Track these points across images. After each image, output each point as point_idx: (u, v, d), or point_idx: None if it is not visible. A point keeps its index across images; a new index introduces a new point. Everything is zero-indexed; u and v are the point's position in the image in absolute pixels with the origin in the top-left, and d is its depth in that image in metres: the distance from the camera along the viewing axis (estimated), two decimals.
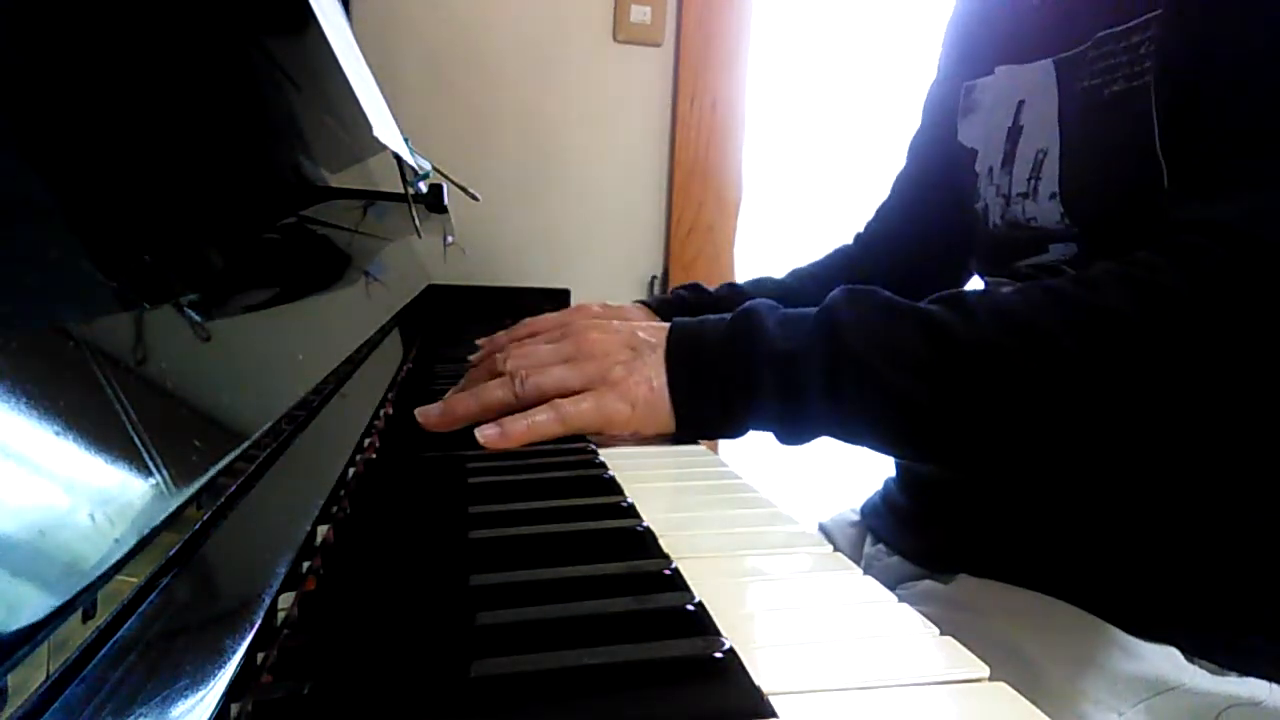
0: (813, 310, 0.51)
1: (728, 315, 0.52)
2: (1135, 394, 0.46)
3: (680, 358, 0.51)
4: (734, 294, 0.84)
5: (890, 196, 0.91)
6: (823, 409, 0.49)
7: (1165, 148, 0.52)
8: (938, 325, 0.49)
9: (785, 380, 0.49)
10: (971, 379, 0.47)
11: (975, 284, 0.82)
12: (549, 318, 0.74)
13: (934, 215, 0.82)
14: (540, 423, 0.50)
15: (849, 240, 0.94)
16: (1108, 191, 0.58)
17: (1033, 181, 0.63)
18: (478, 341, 0.78)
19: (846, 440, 0.51)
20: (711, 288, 0.85)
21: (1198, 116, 0.50)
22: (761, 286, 0.86)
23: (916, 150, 0.89)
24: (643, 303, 0.83)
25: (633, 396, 0.51)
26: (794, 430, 0.51)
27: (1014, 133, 0.66)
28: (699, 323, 0.53)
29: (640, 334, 0.53)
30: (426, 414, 0.54)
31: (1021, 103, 0.66)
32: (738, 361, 0.50)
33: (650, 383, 0.51)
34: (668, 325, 0.53)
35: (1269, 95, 0.48)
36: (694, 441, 0.55)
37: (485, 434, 0.50)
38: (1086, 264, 0.53)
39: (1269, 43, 0.48)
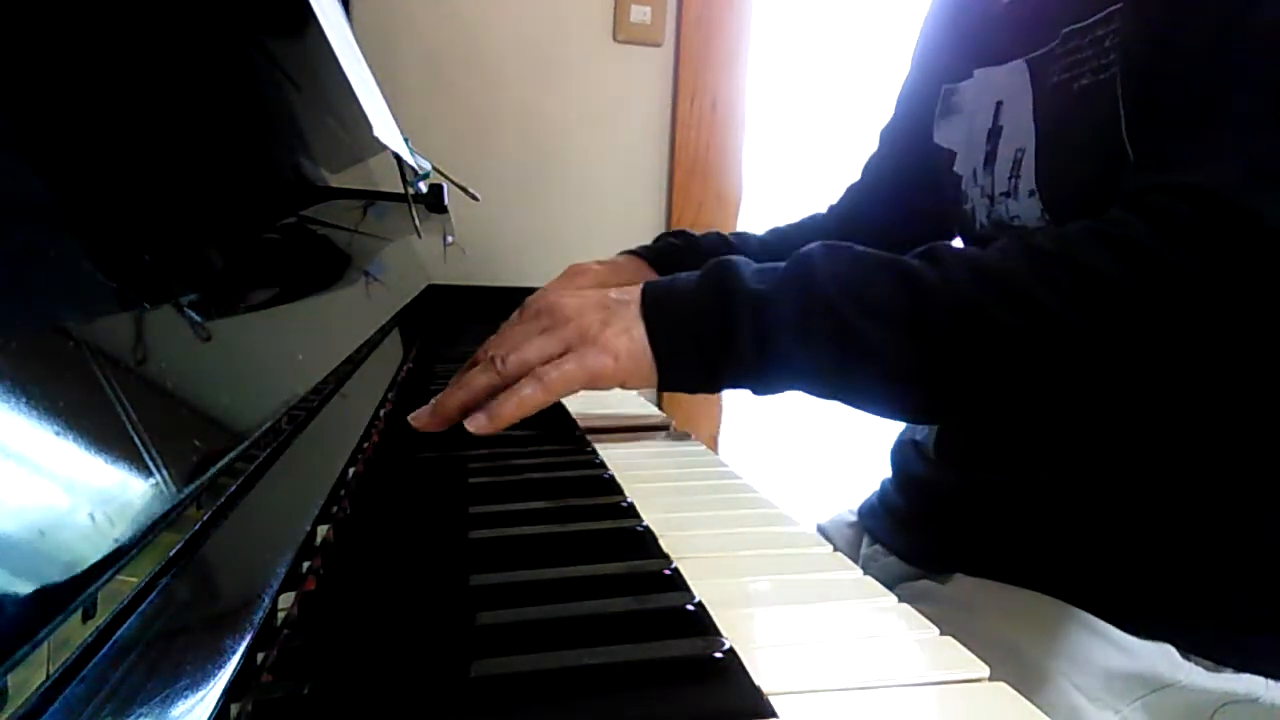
0: (784, 262, 0.52)
1: (698, 270, 0.53)
2: (1106, 351, 0.47)
3: (655, 308, 0.52)
4: (722, 243, 0.85)
5: (863, 178, 0.93)
6: (795, 355, 0.49)
7: (1131, 135, 0.53)
8: (913, 275, 0.49)
9: (758, 323, 0.49)
10: (945, 328, 0.48)
11: None
12: (532, 301, 0.76)
13: (914, 212, 0.84)
14: (527, 396, 0.50)
15: (822, 210, 0.96)
16: (1082, 184, 0.58)
17: (1013, 180, 0.64)
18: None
19: (819, 393, 0.51)
20: (699, 234, 0.86)
21: (1161, 95, 0.51)
22: (745, 241, 0.88)
23: (889, 141, 0.90)
24: (632, 252, 0.84)
25: (614, 348, 0.51)
26: (767, 377, 0.51)
27: (994, 134, 0.67)
28: (671, 278, 0.54)
29: (612, 294, 0.54)
30: (418, 417, 0.54)
31: (999, 103, 0.67)
32: (712, 308, 0.50)
33: (629, 333, 0.51)
34: (640, 284, 0.54)
35: (1225, 70, 0.49)
36: (678, 391, 0.55)
37: (475, 422, 0.50)
38: None
39: (1227, 21, 0.49)
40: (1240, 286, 0.45)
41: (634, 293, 0.53)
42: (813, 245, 0.52)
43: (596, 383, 0.51)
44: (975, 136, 0.69)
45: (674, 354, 0.51)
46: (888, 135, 0.90)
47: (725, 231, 0.90)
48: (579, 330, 0.52)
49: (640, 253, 0.83)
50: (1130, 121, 0.53)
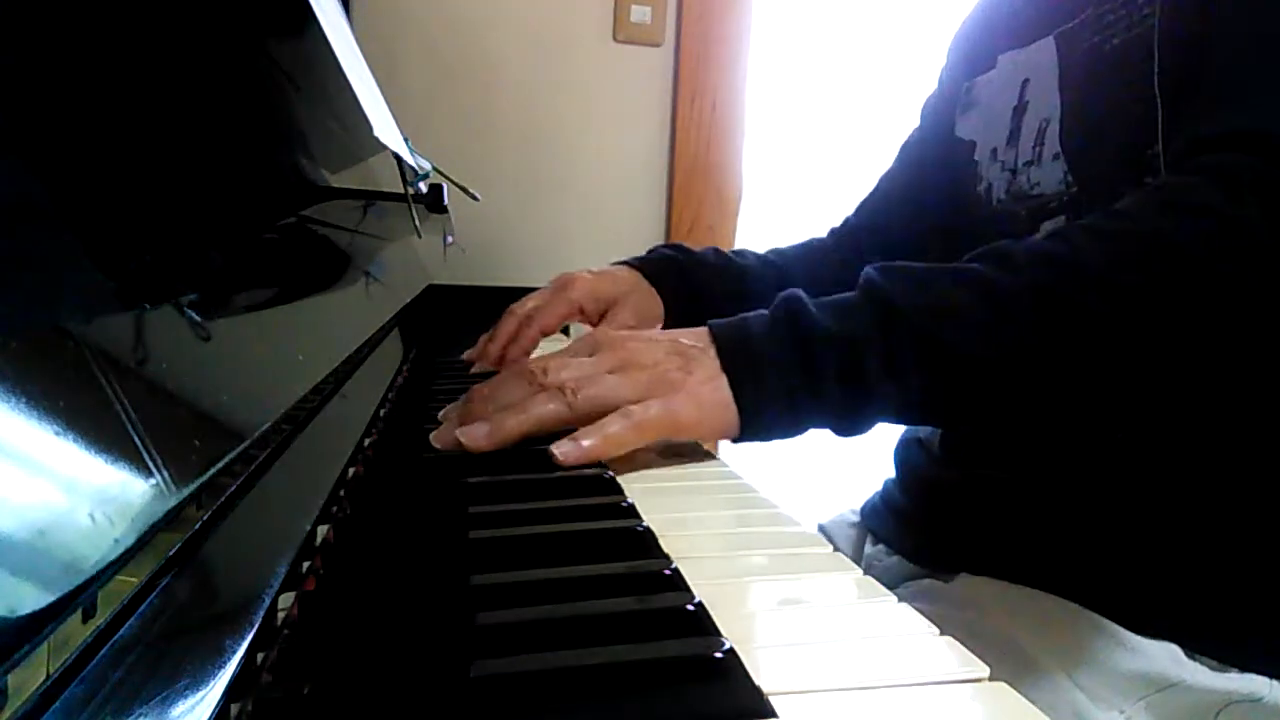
0: (851, 293, 0.50)
1: (765, 311, 0.51)
2: (1194, 320, 0.45)
3: (735, 358, 0.49)
4: (720, 259, 0.84)
5: (874, 194, 0.92)
6: (885, 386, 0.47)
7: (1163, 83, 0.53)
8: (985, 282, 0.47)
9: (845, 362, 0.47)
10: (1030, 329, 0.46)
11: None
12: (536, 302, 0.74)
13: (928, 214, 0.83)
14: (615, 433, 0.47)
15: (821, 233, 0.94)
16: (1106, 140, 0.58)
17: (1037, 149, 0.64)
18: (465, 356, 0.78)
19: (905, 420, 0.50)
20: (696, 249, 0.84)
21: (1202, 47, 0.51)
22: (744, 257, 0.86)
23: (909, 151, 0.90)
24: (624, 262, 0.81)
25: (699, 398, 0.48)
26: (855, 416, 0.48)
27: (1019, 110, 0.68)
28: (740, 321, 0.51)
29: (683, 340, 0.51)
30: (474, 437, 0.49)
31: (1026, 81, 0.67)
32: (794, 358, 0.48)
33: (714, 383, 0.48)
34: (705, 329, 0.51)
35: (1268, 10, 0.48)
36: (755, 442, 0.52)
37: (562, 450, 0.47)
38: None
39: None
40: None
41: (704, 338, 0.50)
42: (869, 272, 0.50)
43: (678, 432, 0.48)
44: (998, 118, 0.70)
45: (760, 410, 0.48)
46: (906, 145, 0.90)
47: (731, 232, 0.90)
48: (655, 378, 0.48)
49: (634, 264, 0.81)
50: (1164, 69, 0.53)
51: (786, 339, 0.48)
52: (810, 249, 0.91)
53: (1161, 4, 0.54)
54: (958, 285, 0.48)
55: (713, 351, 0.49)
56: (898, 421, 0.50)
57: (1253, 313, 0.45)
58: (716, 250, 0.86)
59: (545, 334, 0.74)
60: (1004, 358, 0.46)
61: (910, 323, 0.47)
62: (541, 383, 0.50)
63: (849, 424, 0.49)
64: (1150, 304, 0.45)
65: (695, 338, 0.50)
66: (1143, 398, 0.49)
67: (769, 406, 0.48)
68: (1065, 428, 0.58)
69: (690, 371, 0.49)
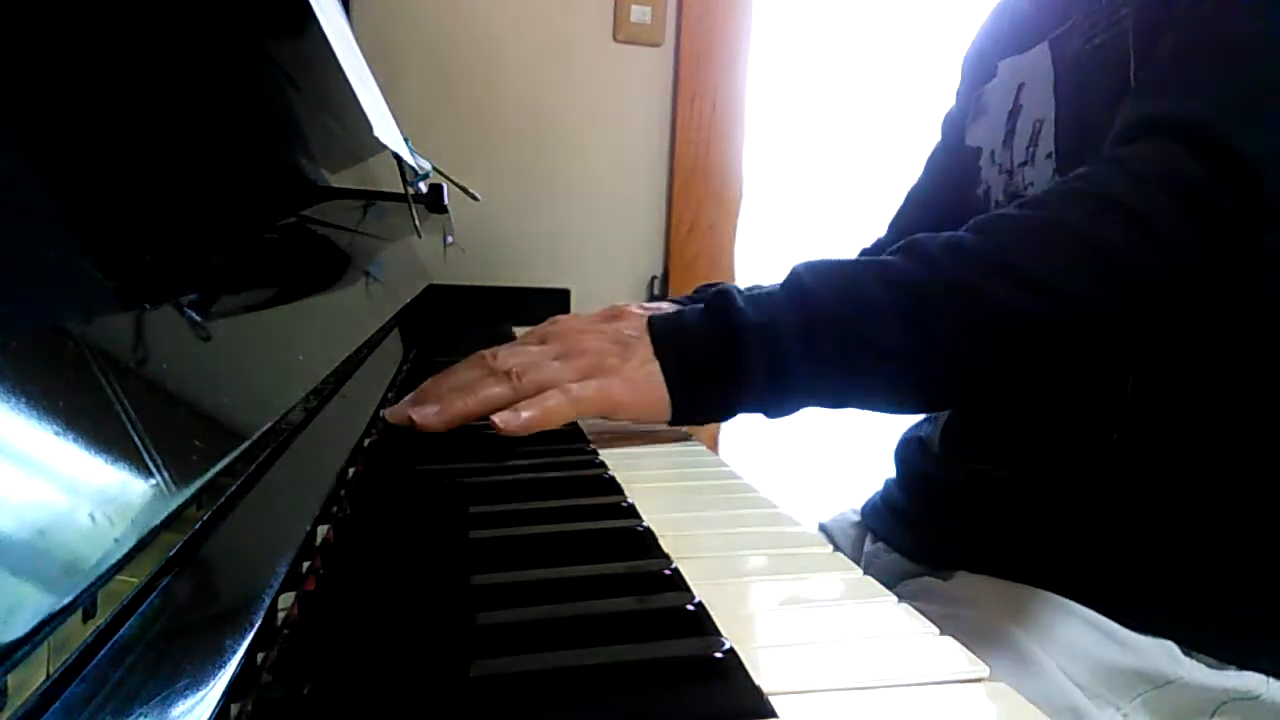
0: (777, 286, 0.54)
1: (700, 305, 0.55)
2: (1100, 301, 0.49)
3: (666, 345, 0.53)
4: None
5: (901, 209, 0.92)
6: (804, 372, 0.51)
7: (1135, 76, 0.56)
8: (898, 272, 0.51)
9: (767, 349, 0.51)
10: (940, 316, 0.49)
11: None
12: (541, 326, 0.77)
13: (945, 227, 0.83)
14: (552, 407, 0.51)
15: (852, 249, 0.95)
16: (1097, 138, 0.59)
17: (1031, 149, 0.66)
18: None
19: (830, 404, 0.53)
20: (744, 289, 0.87)
21: (1165, 31, 0.53)
22: None
23: (930, 164, 0.90)
24: (677, 302, 0.84)
25: (633, 381, 0.52)
26: (782, 401, 0.52)
27: (1014, 114, 0.69)
28: (676, 312, 0.55)
29: (624, 330, 0.55)
30: (424, 415, 0.52)
31: (1021, 85, 0.69)
32: (720, 347, 0.52)
33: (645, 368, 0.52)
34: (646, 320, 0.55)
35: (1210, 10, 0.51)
36: (689, 425, 0.56)
37: (502, 418, 0.51)
38: None
39: None
40: (1226, 220, 0.47)
41: (642, 328, 0.54)
42: (796, 266, 0.54)
43: (615, 411, 0.52)
44: (996, 121, 0.72)
45: (689, 393, 0.52)
46: (931, 159, 0.91)
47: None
48: (595, 363, 0.53)
49: (683, 302, 0.84)
50: (1140, 64, 0.55)
51: (713, 328, 0.52)
52: None
53: (1132, 10, 0.56)
54: (874, 277, 0.51)
55: (648, 339, 0.54)
56: (823, 404, 0.53)
57: (1155, 299, 0.49)
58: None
59: None
60: (915, 344, 0.50)
61: (824, 312, 0.50)
62: (490, 368, 0.54)
63: (777, 407, 0.53)
64: (1050, 288, 0.49)
65: (634, 328, 0.55)
66: (1053, 375, 0.53)
67: (696, 389, 0.52)
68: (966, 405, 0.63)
69: (627, 358, 0.53)
